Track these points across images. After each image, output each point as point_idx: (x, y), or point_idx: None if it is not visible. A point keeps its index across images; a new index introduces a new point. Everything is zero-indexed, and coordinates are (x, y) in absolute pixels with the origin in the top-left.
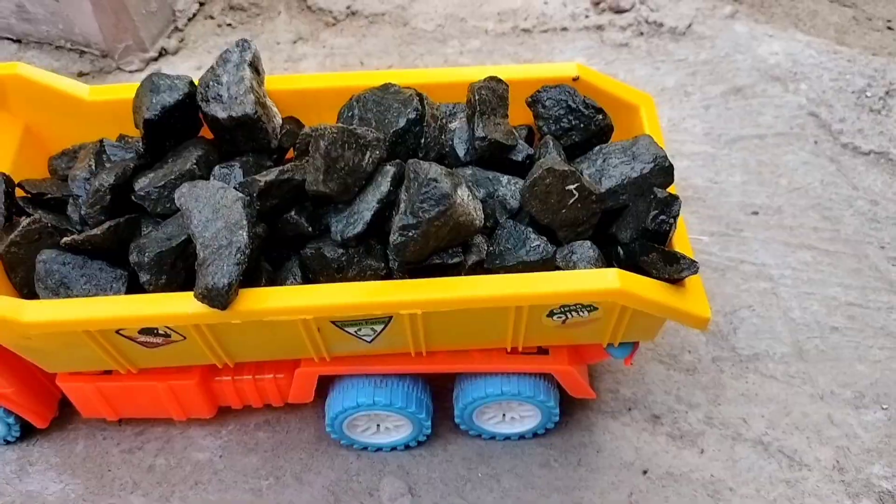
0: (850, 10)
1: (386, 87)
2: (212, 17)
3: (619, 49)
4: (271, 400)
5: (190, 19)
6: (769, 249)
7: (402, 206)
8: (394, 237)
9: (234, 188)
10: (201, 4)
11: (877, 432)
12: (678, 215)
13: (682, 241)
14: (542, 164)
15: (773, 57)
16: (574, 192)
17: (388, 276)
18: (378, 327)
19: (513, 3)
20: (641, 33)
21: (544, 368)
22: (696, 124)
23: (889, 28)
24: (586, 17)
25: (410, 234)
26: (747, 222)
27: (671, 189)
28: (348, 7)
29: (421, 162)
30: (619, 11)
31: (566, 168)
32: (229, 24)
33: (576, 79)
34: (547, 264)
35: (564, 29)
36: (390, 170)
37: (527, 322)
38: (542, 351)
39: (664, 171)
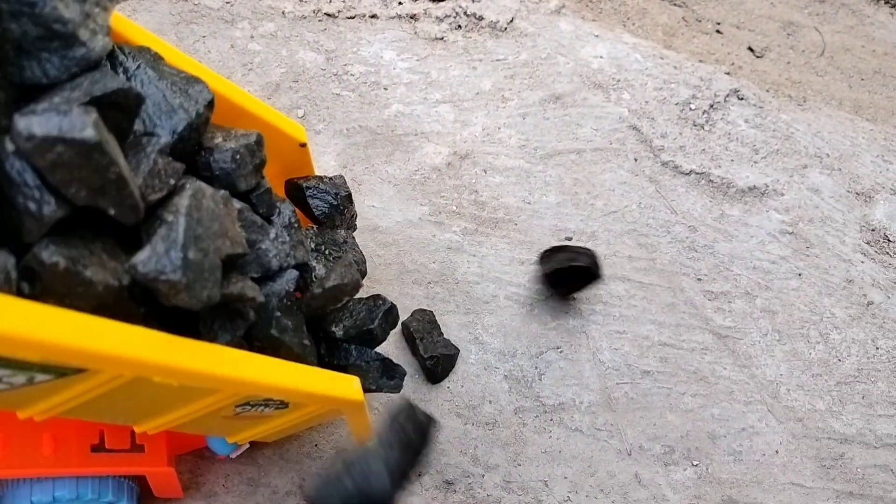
0: (681, 9)
1: None
2: None
3: (433, 43)
4: None
5: None
6: None
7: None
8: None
9: None
10: None
11: (686, 493)
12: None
13: None
14: None
15: (596, 61)
16: None
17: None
18: (42, 377)
19: None
20: (459, 26)
21: (140, 470)
22: (511, 135)
23: (718, 31)
24: (399, 3)
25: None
26: None
27: None
28: None
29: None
30: (437, 0)
31: None
32: None
33: (303, 145)
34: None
35: (374, 16)
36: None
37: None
38: (136, 447)
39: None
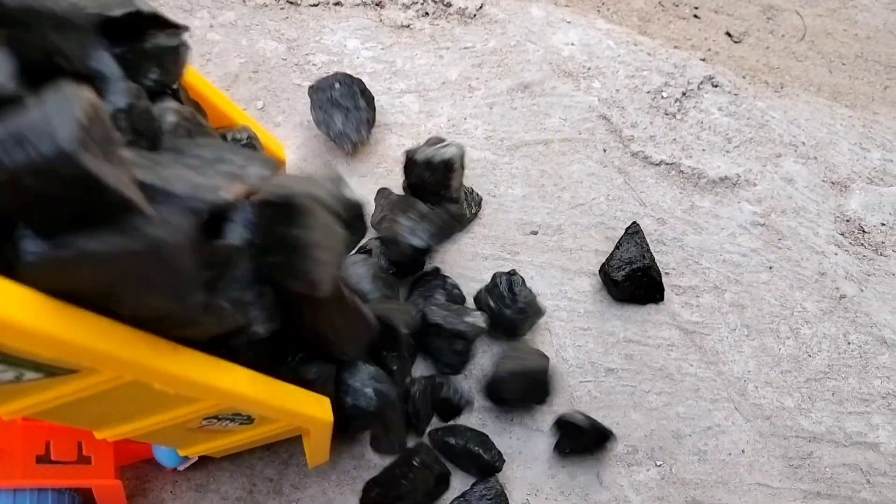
0: None
1: None
2: None
3: (399, 31)
4: None
5: None
6: (545, 276)
7: None
8: None
9: None
10: None
11: (648, 494)
12: None
13: None
14: None
15: (567, 48)
16: None
17: None
18: (31, 375)
19: None
20: (427, 13)
21: (87, 483)
22: (478, 125)
23: (696, 16)
24: None
25: None
26: (524, 243)
27: None
28: None
29: None
30: None
31: None
32: None
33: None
34: None
35: (338, 3)
36: None
37: (185, 419)
38: (83, 458)
39: None
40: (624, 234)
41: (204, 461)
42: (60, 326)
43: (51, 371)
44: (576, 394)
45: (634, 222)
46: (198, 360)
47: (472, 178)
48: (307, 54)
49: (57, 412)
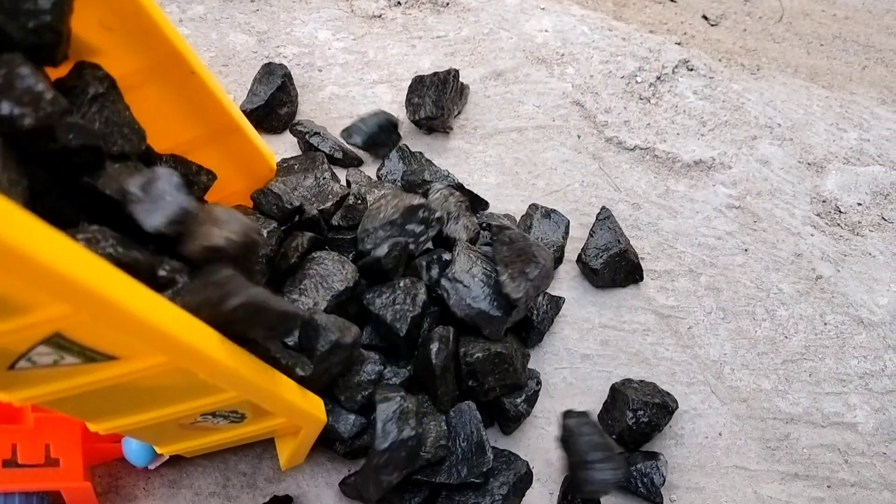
0: None
1: None
2: None
3: (370, 21)
4: None
5: None
6: None
7: None
8: None
9: None
10: None
11: None
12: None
13: None
14: None
15: (541, 35)
16: None
17: None
18: (70, 360)
19: None
20: (399, 3)
21: (55, 486)
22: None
23: (672, 0)
24: None
25: None
26: None
27: None
28: None
29: None
30: None
31: None
32: None
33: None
34: None
35: None
36: None
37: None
38: (51, 461)
39: None
40: (596, 221)
41: (176, 457)
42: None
43: (92, 357)
44: (551, 380)
45: (604, 207)
46: (238, 353)
47: (444, 167)
48: (278, 46)
49: (70, 401)
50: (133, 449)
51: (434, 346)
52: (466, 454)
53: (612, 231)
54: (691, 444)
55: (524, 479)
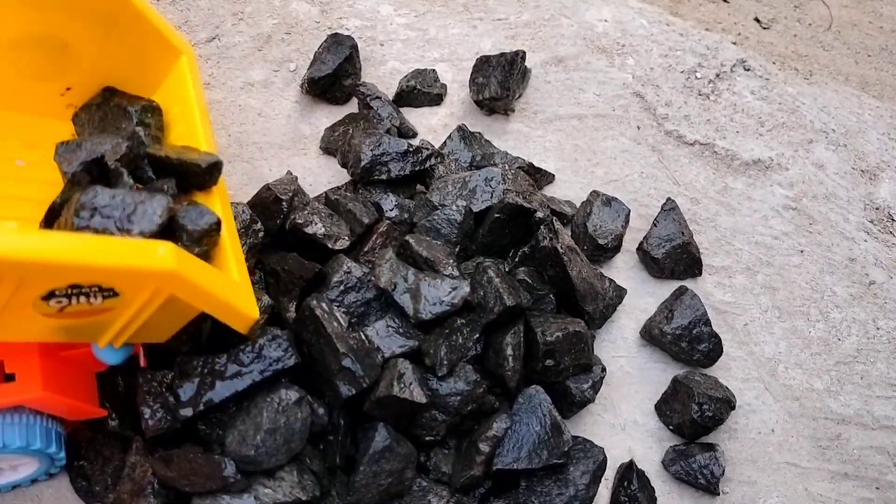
0: None
1: None
2: None
3: (433, 0)
4: None
5: None
6: None
7: None
8: None
9: None
10: None
11: None
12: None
13: None
14: None
15: (601, 24)
16: None
17: None
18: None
19: None
20: None
21: (13, 400)
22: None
23: (725, 0)
24: None
25: None
26: None
27: None
28: None
29: None
30: None
31: None
32: None
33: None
34: None
35: None
36: None
37: (9, 303)
38: (7, 377)
39: None
40: (661, 211)
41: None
42: None
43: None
44: (609, 368)
45: (670, 198)
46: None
47: (504, 149)
48: (340, 18)
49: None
50: (103, 349)
51: (509, 348)
52: (542, 438)
53: (676, 222)
54: (745, 439)
55: (602, 467)
